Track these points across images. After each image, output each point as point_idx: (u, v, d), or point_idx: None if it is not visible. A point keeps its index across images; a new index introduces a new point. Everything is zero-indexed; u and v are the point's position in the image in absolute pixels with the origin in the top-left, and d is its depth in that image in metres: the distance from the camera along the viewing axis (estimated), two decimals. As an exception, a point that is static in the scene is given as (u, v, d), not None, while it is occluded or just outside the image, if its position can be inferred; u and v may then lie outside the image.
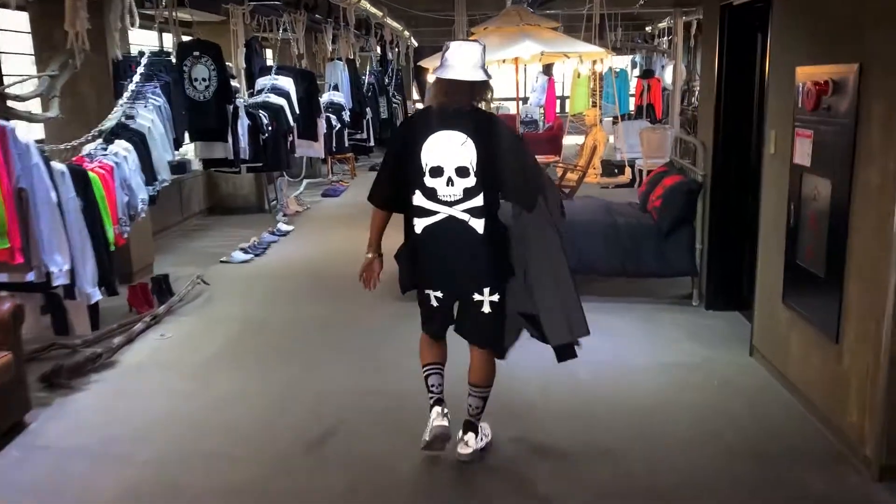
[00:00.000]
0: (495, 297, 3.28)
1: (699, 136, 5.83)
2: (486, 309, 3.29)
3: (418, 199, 3.28)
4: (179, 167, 8.27)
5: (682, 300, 5.86)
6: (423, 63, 9.54)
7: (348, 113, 12.94)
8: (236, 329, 5.47)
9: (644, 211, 6.14)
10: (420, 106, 21.35)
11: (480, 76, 3.15)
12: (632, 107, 15.37)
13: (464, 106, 3.18)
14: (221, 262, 7.49)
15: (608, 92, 11.55)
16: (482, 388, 3.43)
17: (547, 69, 17.28)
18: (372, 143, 15.33)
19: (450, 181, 3.18)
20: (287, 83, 9.32)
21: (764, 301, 4.53)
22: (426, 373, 3.52)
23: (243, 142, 7.77)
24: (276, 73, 9.35)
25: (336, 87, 13.15)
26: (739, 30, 5.24)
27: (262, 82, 9.27)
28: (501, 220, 3.30)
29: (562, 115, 16.84)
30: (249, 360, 4.90)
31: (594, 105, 11.06)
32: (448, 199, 3.21)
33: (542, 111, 17.62)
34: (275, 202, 10.31)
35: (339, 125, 12.24)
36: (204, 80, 7.08)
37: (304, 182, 12.52)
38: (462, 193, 3.18)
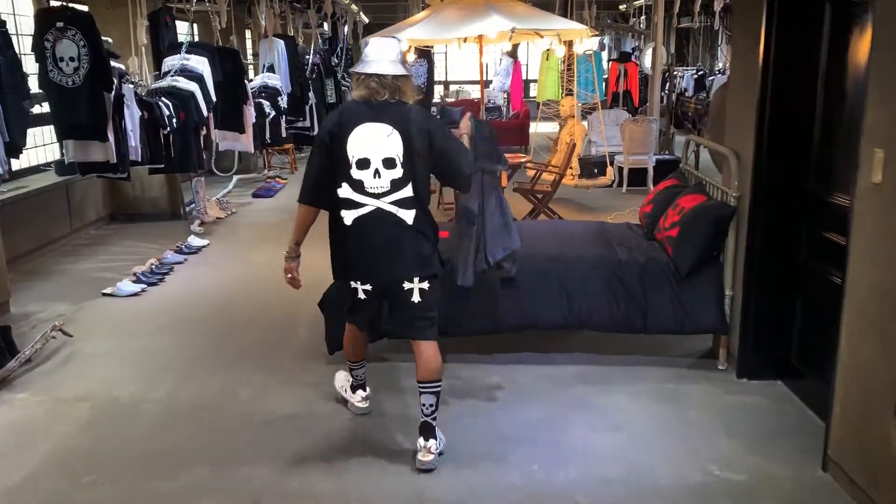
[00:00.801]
0: (425, 285, 3.31)
1: (728, 143, 4.37)
2: (416, 298, 3.31)
3: (346, 191, 3.26)
4: (69, 167, 6.53)
5: (705, 361, 4.42)
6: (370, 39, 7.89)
7: (286, 98, 11.25)
8: (83, 421, 3.85)
9: (650, 238, 4.67)
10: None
11: (399, 70, 3.21)
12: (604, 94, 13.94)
13: (387, 99, 3.19)
14: (104, 294, 5.82)
15: (586, 77, 10.07)
16: (433, 384, 3.36)
17: (511, 50, 15.73)
18: (316, 132, 13.69)
19: (377, 173, 3.21)
20: (200, 64, 7.61)
21: (853, 401, 3.10)
22: (352, 367, 3.81)
23: (133, 139, 6.10)
24: (188, 52, 7.63)
25: (271, 69, 11.44)
26: (798, 1, 3.77)
27: (169, 63, 7.56)
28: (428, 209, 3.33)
29: (528, 101, 15.34)
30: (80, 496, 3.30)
31: (569, 93, 9.57)
32: (376, 191, 3.23)
33: (506, 97, 16.11)
34: (191, 206, 8.61)
35: (273, 112, 10.54)
36: (72, 59, 5.39)
37: (235, 179, 10.83)
38: (389, 185, 3.22)
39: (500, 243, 3.72)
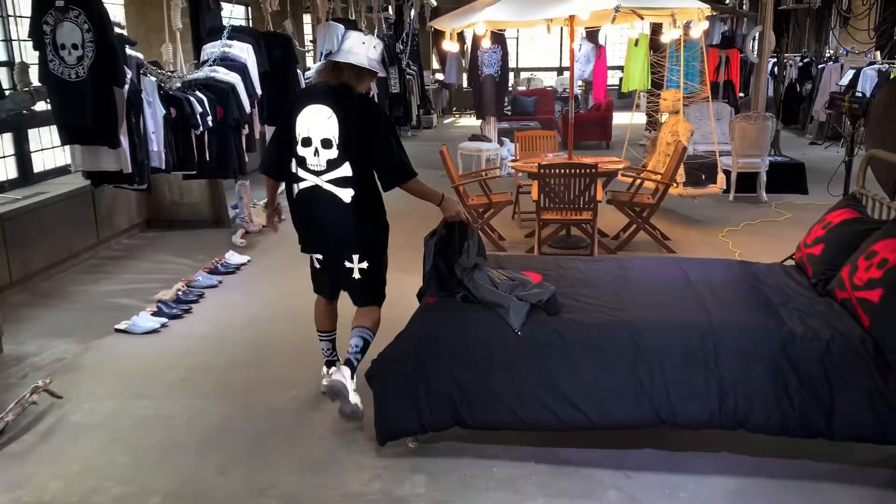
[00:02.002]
0: (364, 265, 3.58)
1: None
2: (357, 276, 3.60)
3: (293, 166, 3.53)
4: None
5: (876, 468, 3.12)
6: (437, 24, 6.73)
7: (345, 89, 10.15)
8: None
9: (823, 294, 3.38)
10: (440, 77, 18.48)
11: (360, 62, 3.39)
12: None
13: (336, 85, 3.43)
14: (117, 330, 4.84)
15: (692, 66, 8.66)
16: (362, 328, 3.64)
17: (591, 35, 14.31)
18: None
19: (316, 152, 3.43)
20: (244, 51, 6.57)
21: None
22: (319, 338, 4.03)
23: (155, 143, 5.07)
24: (230, 38, 6.60)
25: (330, 56, 10.35)
26: None
27: (208, 51, 6.53)
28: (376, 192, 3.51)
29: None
30: None
31: (657, 83, 8.17)
32: (315, 169, 3.46)
33: (584, 86, 14.74)
34: (235, 212, 7.62)
35: (331, 105, 9.44)
36: (75, 47, 4.38)
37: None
38: (325, 164, 3.43)
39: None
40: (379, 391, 3.25)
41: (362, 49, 3.42)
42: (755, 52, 10.74)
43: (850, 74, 11.52)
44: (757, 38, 10.33)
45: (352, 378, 3.52)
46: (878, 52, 12.12)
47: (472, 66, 10.13)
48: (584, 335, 3.12)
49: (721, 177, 7.23)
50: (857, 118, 4.96)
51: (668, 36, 6.33)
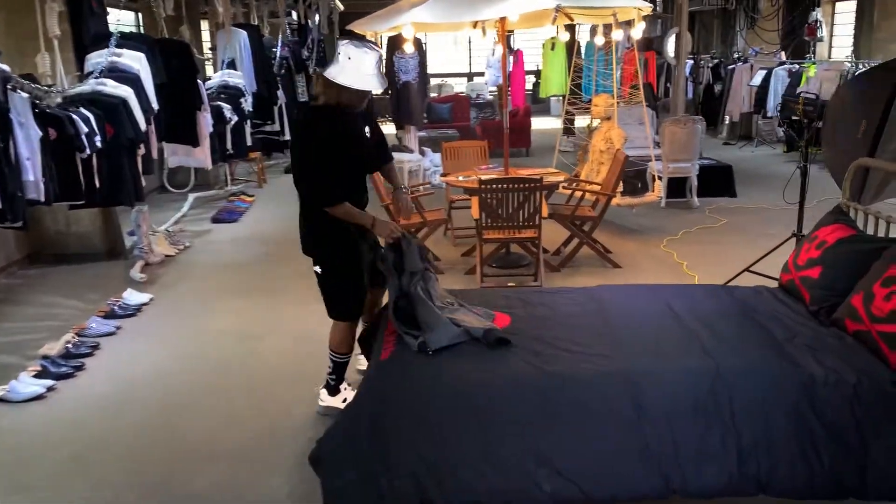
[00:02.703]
0: (317, 269, 3.64)
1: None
2: (316, 277, 3.68)
3: None
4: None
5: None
6: (357, 27, 6.14)
7: (251, 99, 9.43)
8: None
9: (826, 323, 3.00)
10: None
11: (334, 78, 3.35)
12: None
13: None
14: (-9, 398, 4.01)
15: (604, 71, 8.33)
16: (329, 352, 3.75)
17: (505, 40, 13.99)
18: (287, 136, 11.88)
19: None
20: (136, 61, 5.79)
21: None
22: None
23: (31, 172, 4.26)
24: (119, 47, 5.80)
25: (232, 64, 9.60)
26: None
27: (93, 61, 5.71)
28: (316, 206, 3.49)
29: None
30: None
31: (577, 87, 7.84)
32: None
33: (494, 92, 14.41)
34: (132, 241, 6.76)
35: (236, 117, 8.72)
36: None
37: (190, 198, 8.97)
38: None
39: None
40: (328, 476, 2.64)
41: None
42: (673, 54, 10.66)
43: (761, 75, 11.61)
44: (674, 39, 10.24)
45: (329, 394, 3.76)
46: (784, 53, 12.30)
47: (388, 73, 9.56)
48: (573, 391, 2.62)
49: (658, 184, 6.95)
50: (812, 121, 4.67)
51: (616, 35, 5.92)
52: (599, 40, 6.57)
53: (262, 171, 10.30)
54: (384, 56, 3.38)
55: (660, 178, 7.81)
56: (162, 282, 6.06)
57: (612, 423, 2.57)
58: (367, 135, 3.56)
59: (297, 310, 5.29)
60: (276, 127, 11.04)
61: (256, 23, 10.96)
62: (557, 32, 6.71)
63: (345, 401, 3.73)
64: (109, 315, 5.18)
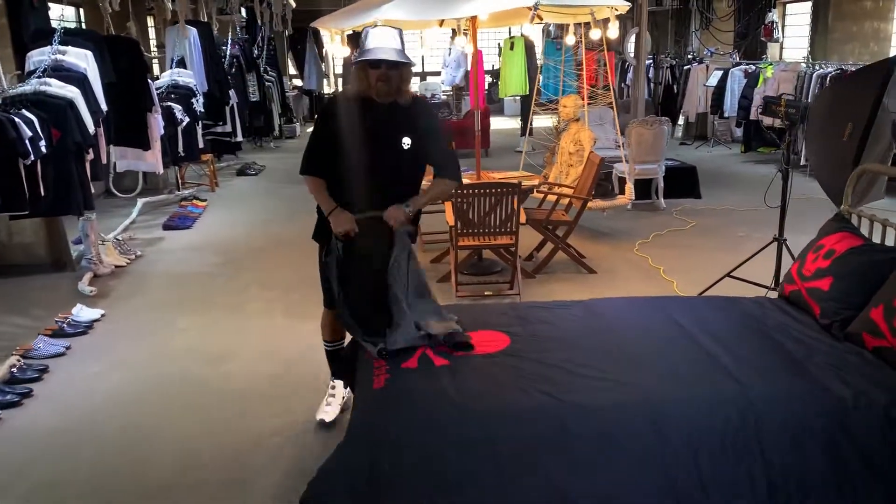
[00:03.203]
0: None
1: None
2: None
3: None
4: None
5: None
6: (322, 24, 5.84)
7: (202, 99, 9.05)
8: None
9: (841, 338, 2.86)
10: (298, 83, 17.30)
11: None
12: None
13: None
14: (-73, 434, 3.62)
15: (556, 72, 8.17)
16: None
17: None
18: (240, 138, 11.47)
19: None
20: (82, 59, 5.41)
21: None
22: None
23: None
24: (64, 44, 5.41)
25: (182, 63, 9.20)
26: None
27: (36, 59, 5.31)
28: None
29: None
30: None
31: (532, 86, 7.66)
32: None
33: (451, 92, 14.18)
34: (78, 249, 6.33)
35: (187, 119, 8.33)
36: None
37: (139, 203, 8.51)
38: None
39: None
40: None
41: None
42: (633, 54, 10.61)
43: (717, 75, 11.66)
44: (634, 39, 10.18)
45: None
46: (738, 53, 12.40)
47: (346, 74, 9.25)
48: (593, 422, 2.41)
49: (629, 187, 6.83)
50: (795, 123, 4.58)
51: (569, 39, 5.75)
52: (570, 40, 6.42)
53: (214, 174, 9.87)
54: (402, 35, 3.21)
55: (621, 177, 7.71)
56: (114, 295, 5.67)
57: (637, 459, 2.37)
58: (406, 144, 3.18)
59: (263, 325, 4.98)
60: (228, 128, 10.65)
61: (206, 20, 10.52)
62: (522, 29, 6.41)
63: (340, 404, 3.69)
64: (58, 333, 4.79)
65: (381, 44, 3.10)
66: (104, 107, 5.47)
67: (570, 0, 5.03)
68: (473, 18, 5.37)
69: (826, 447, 2.38)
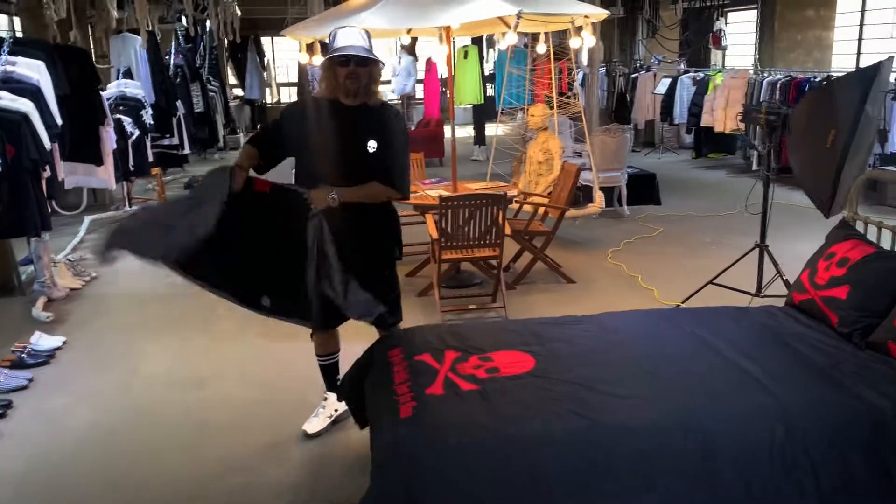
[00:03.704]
0: None
1: None
2: None
3: None
4: None
5: None
6: (292, 32, 5.62)
7: (150, 111, 8.69)
8: None
9: (862, 346, 2.85)
10: (239, 92, 16.86)
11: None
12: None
13: None
14: None
15: (519, 80, 8.09)
16: None
17: (410, 45, 13.62)
18: (186, 150, 11.08)
19: None
20: (34, 70, 5.09)
21: None
22: None
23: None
24: (13, 53, 5.08)
25: (128, 73, 8.84)
26: None
27: (-18, 69, 4.96)
28: None
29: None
30: None
31: (542, 99, 7.65)
32: None
33: (399, 101, 14.07)
34: (25, 268, 5.94)
35: (136, 132, 7.99)
36: None
37: (87, 220, 8.08)
38: None
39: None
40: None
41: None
42: (586, 62, 10.67)
43: (665, 83, 11.86)
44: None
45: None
46: (684, 61, 12.64)
47: (302, 82, 9.03)
48: (633, 443, 2.32)
49: (600, 195, 6.82)
50: (775, 130, 4.62)
51: (576, 42, 5.68)
52: (542, 48, 6.36)
53: (162, 189, 9.47)
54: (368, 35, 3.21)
55: (588, 187, 7.70)
56: (72, 320, 5.32)
57: (680, 475, 2.28)
58: (372, 148, 3.12)
59: (236, 348, 4.74)
60: (175, 140, 10.28)
61: (149, 28, 10.11)
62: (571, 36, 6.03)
63: (330, 416, 3.61)
64: (17, 364, 4.45)
65: (348, 42, 3.07)
66: (59, 120, 5.14)
67: (551, 9, 4.98)
68: (447, 28, 5.25)
69: (869, 457, 2.34)
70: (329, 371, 3.59)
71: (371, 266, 3.23)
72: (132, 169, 7.89)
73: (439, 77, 12.59)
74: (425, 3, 4.71)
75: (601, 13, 5.46)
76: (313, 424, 3.57)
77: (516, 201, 5.81)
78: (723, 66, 13.14)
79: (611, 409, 2.44)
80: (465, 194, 4.92)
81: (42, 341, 4.75)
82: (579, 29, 5.23)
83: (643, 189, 8.61)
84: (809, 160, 4.46)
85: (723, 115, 10.23)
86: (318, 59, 6.02)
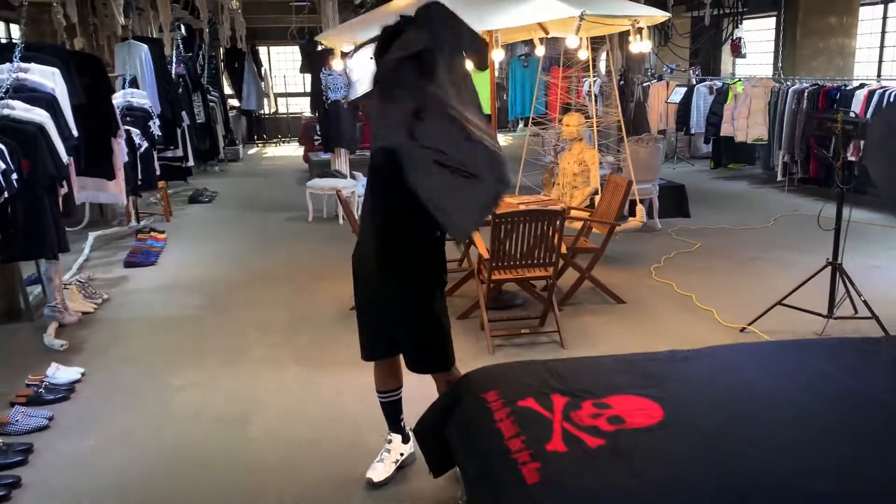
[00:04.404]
0: None
1: None
2: None
3: None
4: None
5: None
6: (328, 38, 5.26)
7: (157, 122, 8.28)
8: None
9: None
10: (235, 103, 16.41)
11: None
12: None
13: None
14: None
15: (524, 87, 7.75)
16: None
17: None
18: (191, 163, 10.67)
19: None
20: (48, 78, 4.70)
21: None
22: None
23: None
24: (25, 59, 4.69)
25: (134, 82, 8.42)
26: None
27: (-7, 76, 4.56)
28: None
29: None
30: None
31: (573, 108, 7.31)
32: None
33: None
34: (36, 296, 5.52)
35: (145, 144, 7.58)
36: None
37: (91, 237, 7.66)
38: None
39: None
40: None
41: None
42: (605, 71, 10.39)
43: (680, 92, 11.59)
44: (605, 57, 9.97)
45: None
46: (697, 70, 12.39)
47: (316, 91, 8.66)
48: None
49: (640, 209, 6.49)
50: (851, 139, 4.32)
51: (635, 46, 5.34)
52: (583, 54, 6.04)
53: (168, 203, 9.06)
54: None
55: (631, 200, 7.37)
56: (89, 348, 4.91)
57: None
58: None
59: (275, 378, 4.35)
60: (179, 152, 9.86)
61: (155, 35, 9.73)
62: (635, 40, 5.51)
63: (396, 461, 3.23)
64: (34, 400, 4.04)
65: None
66: (75, 132, 4.75)
67: (613, 10, 4.66)
68: (490, 32, 4.91)
69: None
70: (392, 410, 3.22)
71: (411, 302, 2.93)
72: (140, 182, 7.47)
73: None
74: (477, 3, 4.37)
75: (662, 15, 5.15)
76: (378, 472, 3.19)
77: (568, 216, 5.46)
78: (733, 74, 12.91)
79: (765, 468, 2.09)
80: (522, 210, 4.56)
81: (59, 374, 4.33)
82: (639, 31, 4.90)
83: (671, 201, 8.31)
84: (892, 171, 4.15)
85: (745, 125, 9.96)
86: (339, 65, 5.68)
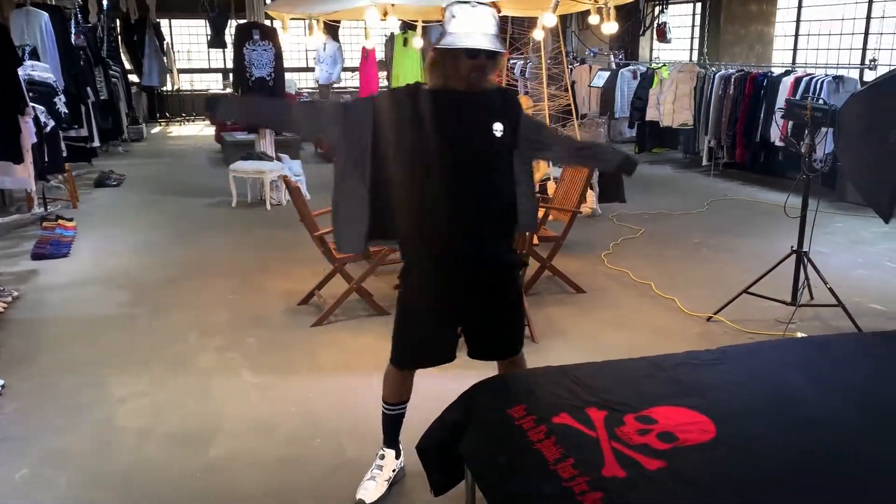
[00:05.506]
0: None
1: None
2: None
3: None
4: None
5: None
6: (277, 8, 4.81)
7: (63, 98, 7.58)
8: None
9: None
10: (135, 79, 15.32)
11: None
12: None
13: None
14: None
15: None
16: None
17: (333, 31, 12.76)
18: (97, 143, 9.90)
19: None
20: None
21: None
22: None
23: None
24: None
25: (35, 53, 7.67)
26: None
27: None
28: None
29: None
30: None
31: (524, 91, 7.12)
32: None
33: (316, 90, 13.20)
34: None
35: (51, 122, 6.90)
36: None
37: (-10, 227, 6.89)
38: None
39: None
40: None
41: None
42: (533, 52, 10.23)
43: (602, 76, 11.62)
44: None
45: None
46: (621, 54, 12.47)
47: (238, 68, 8.09)
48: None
49: (591, 195, 6.38)
50: (820, 127, 4.30)
51: (607, 27, 5.13)
52: (539, 34, 5.82)
53: (74, 188, 8.28)
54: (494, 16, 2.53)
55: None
56: (5, 356, 4.33)
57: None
58: (498, 132, 2.61)
59: (228, 387, 3.95)
60: (84, 131, 9.11)
61: (53, 2, 8.87)
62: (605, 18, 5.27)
63: (388, 479, 2.94)
64: (-51, 422, 3.49)
65: (475, 28, 2.49)
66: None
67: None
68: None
69: None
70: (397, 424, 2.94)
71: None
72: (46, 165, 6.76)
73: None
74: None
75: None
76: (371, 491, 2.90)
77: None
78: (650, 58, 13.07)
79: (828, 486, 1.95)
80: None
81: (-24, 389, 3.78)
82: (604, 11, 4.73)
83: (606, 186, 8.27)
84: (866, 161, 4.16)
85: (670, 109, 10.06)
86: (320, 39, 5.24)
